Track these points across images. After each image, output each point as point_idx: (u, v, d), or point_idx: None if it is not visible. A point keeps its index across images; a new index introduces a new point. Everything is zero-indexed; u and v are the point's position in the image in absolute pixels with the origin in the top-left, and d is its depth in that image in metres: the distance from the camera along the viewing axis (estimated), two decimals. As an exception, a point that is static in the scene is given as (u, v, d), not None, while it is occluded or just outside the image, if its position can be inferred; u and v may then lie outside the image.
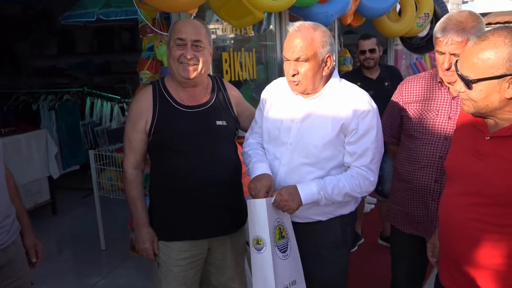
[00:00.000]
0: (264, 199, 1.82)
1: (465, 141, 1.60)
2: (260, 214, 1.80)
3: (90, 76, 7.53)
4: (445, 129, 2.04)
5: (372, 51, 3.91)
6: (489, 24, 9.41)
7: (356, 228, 4.10)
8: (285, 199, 1.82)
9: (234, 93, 2.21)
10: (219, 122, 2.05)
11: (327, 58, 1.87)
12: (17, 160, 4.41)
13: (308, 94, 1.94)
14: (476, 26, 1.90)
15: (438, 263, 1.78)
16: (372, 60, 3.93)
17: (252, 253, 1.83)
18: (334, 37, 5.01)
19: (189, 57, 1.94)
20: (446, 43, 1.92)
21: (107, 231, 4.17)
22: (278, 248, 1.82)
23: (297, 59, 1.84)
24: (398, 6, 4.93)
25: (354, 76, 4.01)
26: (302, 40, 1.82)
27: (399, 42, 6.27)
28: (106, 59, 7.65)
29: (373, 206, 4.80)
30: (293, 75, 1.87)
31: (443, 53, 1.96)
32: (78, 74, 7.52)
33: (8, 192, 1.95)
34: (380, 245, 4.00)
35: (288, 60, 1.88)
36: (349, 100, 1.89)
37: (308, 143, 1.91)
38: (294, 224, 2.00)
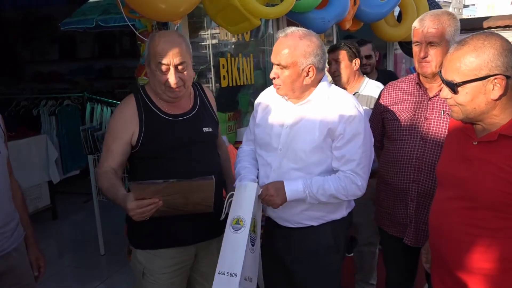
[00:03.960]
0: (256, 183, 1.84)
1: (455, 146, 1.63)
2: (248, 197, 1.81)
3: (90, 81, 7.57)
4: (421, 130, 2.08)
5: (368, 57, 3.92)
6: (489, 28, 9.41)
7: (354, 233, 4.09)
8: (271, 193, 1.86)
9: (213, 99, 2.22)
10: (205, 129, 2.05)
11: (309, 69, 1.89)
12: (17, 165, 4.41)
13: (297, 99, 1.97)
14: (451, 20, 1.99)
15: (431, 269, 1.79)
16: (369, 66, 3.94)
17: (227, 232, 1.80)
18: (332, 42, 5.04)
19: (174, 82, 1.90)
20: (423, 31, 2.00)
21: (107, 236, 4.18)
22: (250, 241, 1.81)
23: (278, 65, 1.90)
24: (398, 10, 4.95)
25: None
26: (285, 47, 1.87)
27: (398, 46, 6.29)
28: (106, 64, 7.69)
29: (372, 210, 4.79)
30: (273, 78, 1.94)
31: (419, 43, 2.03)
32: (79, 79, 7.55)
33: (13, 200, 1.94)
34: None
35: (273, 63, 1.94)
36: (337, 105, 1.91)
37: (296, 148, 1.93)
38: (286, 229, 2.02)
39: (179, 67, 1.90)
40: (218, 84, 3.74)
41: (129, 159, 2.02)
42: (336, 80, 3.03)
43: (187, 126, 2.01)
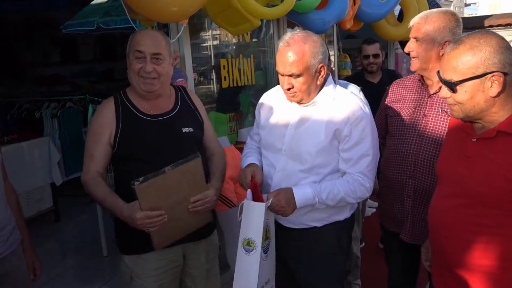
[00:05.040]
0: (264, 203, 1.82)
1: (454, 144, 1.64)
2: (257, 218, 1.81)
3: (92, 83, 7.59)
4: (419, 126, 2.10)
5: (375, 56, 3.92)
6: (491, 26, 9.40)
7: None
8: (282, 205, 1.84)
9: (200, 102, 2.21)
10: (185, 129, 2.03)
11: (320, 68, 1.88)
12: (20, 167, 4.46)
13: (302, 102, 1.96)
14: (440, 18, 2.00)
15: (431, 267, 1.79)
16: (375, 65, 3.94)
17: (239, 252, 1.84)
18: (333, 42, 5.06)
19: (148, 70, 1.91)
20: (411, 27, 2.06)
21: (109, 237, 4.18)
22: (263, 250, 1.83)
23: (290, 75, 1.87)
24: (399, 8, 4.96)
25: (355, 80, 4.01)
26: (292, 55, 1.83)
27: (399, 46, 6.30)
28: (108, 66, 7.72)
29: (374, 210, 4.80)
30: (289, 89, 1.90)
31: (410, 39, 2.08)
32: (81, 81, 7.58)
33: (8, 204, 1.94)
34: (380, 249, 4.00)
35: (282, 74, 1.90)
36: (343, 107, 1.90)
37: (302, 150, 1.93)
38: (289, 230, 2.02)
39: (155, 58, 1.92)
40: (219, 85, 3.76)
41: (111, 161, 2.01)
42: None
43: (165, 126, 2.00)
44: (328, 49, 2.01)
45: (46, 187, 4.92)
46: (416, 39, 2.03)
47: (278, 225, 2.05)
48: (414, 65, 2.08)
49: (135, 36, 1.96)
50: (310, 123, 1.94)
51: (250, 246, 1.81)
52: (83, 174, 1.96)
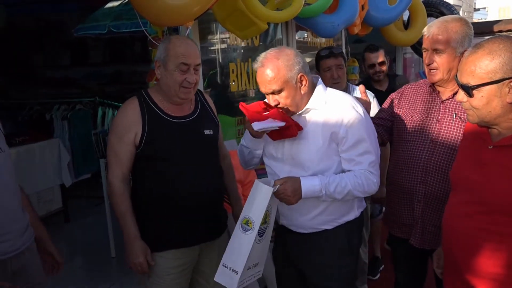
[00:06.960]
0: (271, 188, 1.83)
1: (470, 151, 1.62)
2: (261, 200, 1.82)
3: (101, 86, 7.64)
4: (432, 132, 2.08)
5: (381, 64, 3.79)
6: (500, 31, 9.34)
7: (375, 252, 3.92)
8: (287, 194, 1.85)
9: (213, 105, 2.28)
10: (206, 131, 2.11)
11: (301, 77, 1.91)
12: (31, 168, 4.50)
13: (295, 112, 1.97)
14: (459, 27, 1.98)
15: (443, 273, 1.77)
16: (382, 73, 3.80)
17: (237, 229, 1.86)
18: (341, 46, 5.06)
19: (193, 81, 1.99)
20: (429, 38, 2.01)
21: (118, 238, 4.21)
22: (258, 233, 1.84)
23: (272, 93, 1.90)
24: (408, 14, 4.95)
25: None
26: (269, 74, 1.87)
27: (408, 50, 6.27)
28: (117, 69, 7.76)
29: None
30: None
31: (426, 50, 2.04)
32: (90, 84, 7.63)
33: (19, 198, 1.96)
34: (387, 250, 3.98)
35: (265, 93, 1.94)
36: (335, 109, 1.93)
37: (303, 158, 1.94)
38: (299, 234, 2.04)
39: (196, 68, 2.00)
40: (227, 88, 3.78)
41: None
42: (336, 86, 2.80)
43: (189, 128, 2.07)
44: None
45: (55, 188, 4.96)
46: (437, 50, 2.00)
47: (288, 231, 2.06)
48: (436, 76, 2.04)
49: (175, 46, 1.99)
50: (307, 130, 1.95)
51: (248, 225, 1.82)
52: (110, 174, 2.02)
